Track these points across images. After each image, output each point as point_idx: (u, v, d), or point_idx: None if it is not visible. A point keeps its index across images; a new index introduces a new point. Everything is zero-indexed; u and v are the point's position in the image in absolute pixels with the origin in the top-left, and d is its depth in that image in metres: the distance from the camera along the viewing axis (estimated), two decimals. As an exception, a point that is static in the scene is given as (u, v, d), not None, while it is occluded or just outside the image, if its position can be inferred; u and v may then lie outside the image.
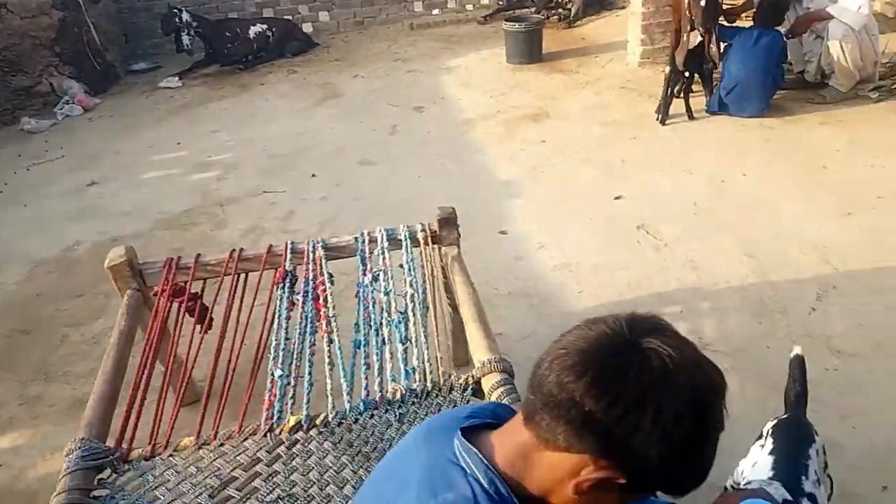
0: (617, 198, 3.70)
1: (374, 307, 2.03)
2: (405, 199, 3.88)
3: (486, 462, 0.93)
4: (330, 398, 1.81)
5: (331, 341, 1.94)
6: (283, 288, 2.13)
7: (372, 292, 2.07)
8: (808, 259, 3.07)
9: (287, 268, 2.18)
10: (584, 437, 0.86)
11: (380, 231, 2.26)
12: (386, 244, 2.22)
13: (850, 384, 2.44)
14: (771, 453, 1.54)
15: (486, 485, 0.91)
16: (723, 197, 3.63)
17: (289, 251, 2.23)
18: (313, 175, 4.32)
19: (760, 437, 1.60)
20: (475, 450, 0.94)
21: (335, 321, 2.00)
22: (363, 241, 2.24)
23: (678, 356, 0.86)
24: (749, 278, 2.98)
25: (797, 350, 1.72)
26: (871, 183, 3.58)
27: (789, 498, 1.21)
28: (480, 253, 3.26)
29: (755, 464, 1.54)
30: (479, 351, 1.84)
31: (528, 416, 0.92)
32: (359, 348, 1.95)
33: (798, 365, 1.70)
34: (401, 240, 2.24)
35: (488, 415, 1.04)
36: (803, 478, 1.48)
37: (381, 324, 1.98)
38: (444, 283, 2.33)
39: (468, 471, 0.93)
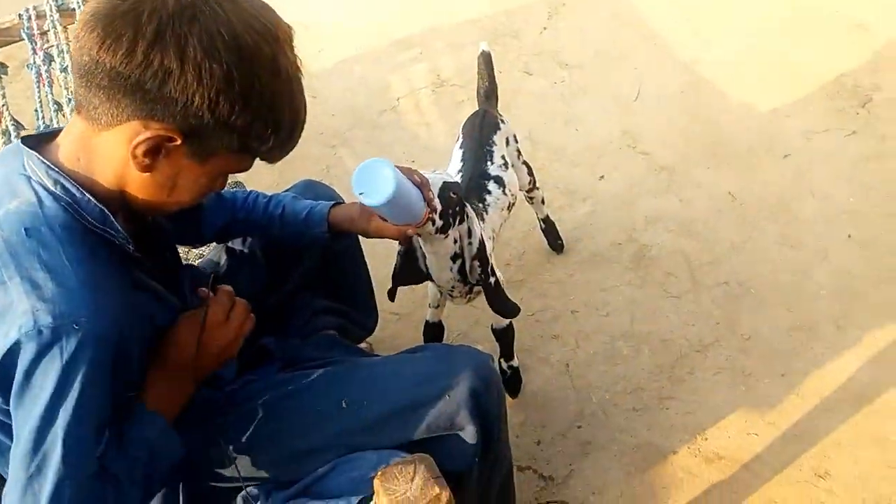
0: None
1: (50, 88, 1.81)
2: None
3: (47, 163, 0.85)
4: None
5: (5, 133, 1.73)
6: (-63, 86, 1.83)
7: (46, 72, 1.83)
8: (541, -21, 3.09)
9: (-61, 63, 1.87)
10: (119, 101, 0.79)
11: (48, 3, 1.96)
12: (57, 17, 1.93)
13: (574, 92, 2.59)
14: (461, 147, 1.59)
15: (50, 186, 0.85)
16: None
17: (-62, 43, 1.90)
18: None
19: (457, 139, 1.65)
20: (37, 154, 0.86)
21: (8, 111, 1.77)
22: (29, 18, 1.94)
23: None
24: (485, 9, 2.97)
25: (483, 46, 1.73)
26: None
27: (452, 180, 1.24)
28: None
29: (452, 162, 1.60)
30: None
31: (76, 102, 0.84)
32: (43, 135, 1.75)
33: (484, 61, 1.73)
34: (74, 8, 1.96)
35: None
36: (489, 163, 1.56)
37: (61, 105, 1.78)
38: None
39: (33, 177, 0.85)
